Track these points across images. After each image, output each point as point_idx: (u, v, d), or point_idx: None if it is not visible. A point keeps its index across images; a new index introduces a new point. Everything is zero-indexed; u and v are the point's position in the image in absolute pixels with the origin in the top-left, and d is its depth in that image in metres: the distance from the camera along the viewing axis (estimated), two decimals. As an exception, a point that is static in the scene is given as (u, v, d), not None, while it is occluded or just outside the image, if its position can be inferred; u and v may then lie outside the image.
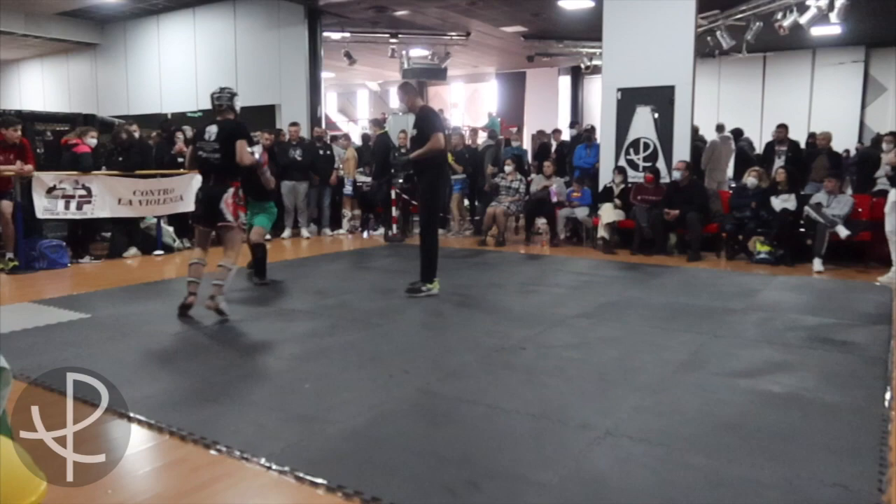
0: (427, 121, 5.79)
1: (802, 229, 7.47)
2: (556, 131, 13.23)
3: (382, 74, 20.65)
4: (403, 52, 15.23)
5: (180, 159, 8.86)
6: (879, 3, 11.08)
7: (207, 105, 15.13)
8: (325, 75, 14.79)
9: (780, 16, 11.05)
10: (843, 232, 7.13)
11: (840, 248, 7.35)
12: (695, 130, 11.35)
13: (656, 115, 8.87)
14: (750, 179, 8.06)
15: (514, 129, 14.83)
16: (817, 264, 7.13)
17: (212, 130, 5.04)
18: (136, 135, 9.04)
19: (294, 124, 10.08)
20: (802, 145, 10.10)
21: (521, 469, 2.64)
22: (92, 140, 7.88)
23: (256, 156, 5.13)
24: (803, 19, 10.55)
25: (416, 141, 5.88)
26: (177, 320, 4.98)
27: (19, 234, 7.10)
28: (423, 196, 5.96)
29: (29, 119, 9.53)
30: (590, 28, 12.08)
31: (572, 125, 13.77)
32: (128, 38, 14.77)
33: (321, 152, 10.08)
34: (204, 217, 5.09)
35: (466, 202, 10.91)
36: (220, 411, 3.24)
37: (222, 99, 5.15)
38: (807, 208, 7.43)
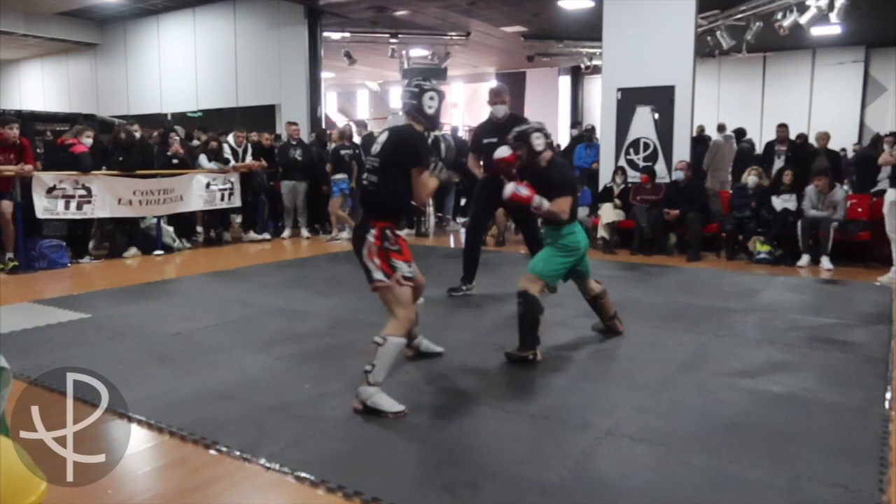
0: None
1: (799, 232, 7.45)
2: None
3: (382, 74, 20.66)
4: (403, 52, 15.24)
5: (175, 161, 8.86)
6: (879, 3, 11.09)
7: (207, 105, 15.18)
8: (325, 75, 14.81)
9: (780, 16, 11.06)
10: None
11: (841, 247, 7.35)
12: (700, 129, 11.36)
13: (656, 115, 8.86)
14: (751, 178, 8.05)
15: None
16: (825, 262, 7.17)
17: (381, 139, 3.48)
18: (137, 135, 9.04)
19: (293, 124, 10.07)
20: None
21: (521, 469, 2.64)
22: (88, 140, 7.88)
23: (519, 191, 3.95)
24: (803, 19, 10.56)
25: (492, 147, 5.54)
26: (177, 320, 4.98)
27: (19, 235, 7.11)
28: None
29: (29, 119, 9.53)
30: (590, 28, 12.09)
31: (574, 125, 13.76)
32: (128, 38, 14.78)
33: (353, 151, 9.72)
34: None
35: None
36: (220, 411, 3.24)
37: (404, 96, 3.56)
38: (805, 211, 7.45)
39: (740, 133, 11.65)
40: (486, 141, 5.73)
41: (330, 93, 23.01)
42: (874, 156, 8.88)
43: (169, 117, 13.92)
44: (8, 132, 7.01)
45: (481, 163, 5.85)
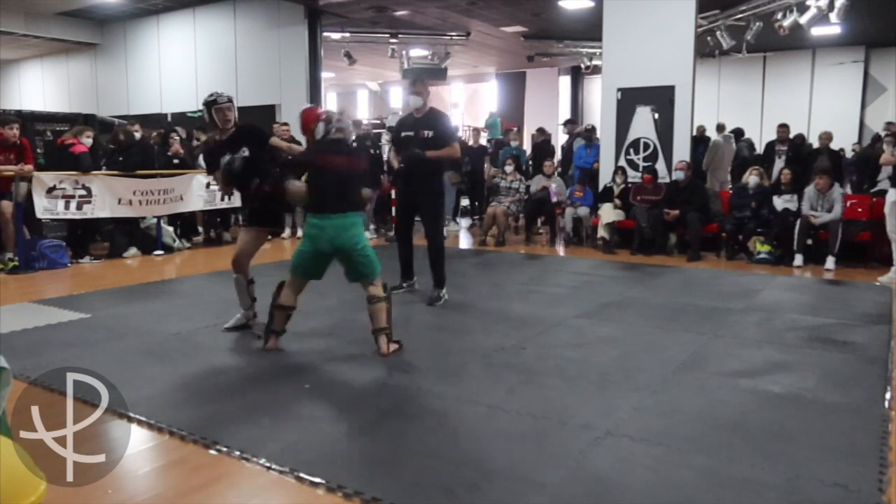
0: (446, 126, 5.68)
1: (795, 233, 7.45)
2: (540, 130, 13.17)
3: (382, 74, 20.65)
4: (403, 52, 15.23)
5: (175, 161, 8.87)
6: (879, 3, 11.08)
7: (207, 105, 14.84)
8: (325, 75, 14.80)
9: (780, 16, 11.06)
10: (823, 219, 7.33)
11: (841, 248, 7.35)
12: (701, 130, 11.35)
13: (656, 115, 8.87)
14: (752, 178, 8.05)
15: (514, 129, 14.82)
16: (830, 262, 7.18)
17: None
18: (138, 135, 9.03)
19: (284, 124, 10.04)
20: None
21: (521, 469, 2.64)
22: (88, 140, 7.88)
23: None
24: (803, 19, 10.56)
25: (429, 142, 5.50)
26: (177, 320, 4.98)
27: (19, 234, 7.10)
28: (430, 200, 5.67)
29: (29, 119, 9.52)
30: (590, 28, 12.08)
31: (567, 123, 13.68)
32: (128, 38, 14.77)
33: (371, 152, 9.56)
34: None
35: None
36: (220, 411, 3.24)
37: None
38: (803, 211, 7.46)
39: (738, 133, 11.65)
40: (403, 134, 5.69)
41: (330, 93, 23.00)
42: (873, 156, 8.88)
43: (169, 118, 13.91)
44: (8, 132, 7.02)
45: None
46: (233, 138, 4.58)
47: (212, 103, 4.70)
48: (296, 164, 4.39)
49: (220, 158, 4.52)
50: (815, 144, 10.09)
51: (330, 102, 23.00)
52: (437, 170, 5.66)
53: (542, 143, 12.24)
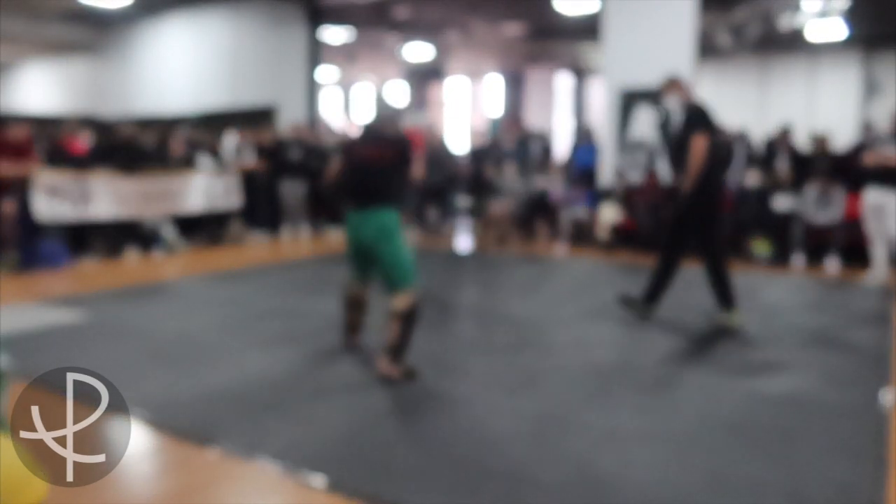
0: (689, 122, 4.86)
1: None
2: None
3: (383, 74, 20.65)
4: (404, 52, 15.25)
5: (175, 161, 8.86)
6: (879, 3, 11.09)
7: (207, 105, 15.18)
8: (325, 75, 14.79)
9: (779, 16, 11.06)
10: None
11: (840, 248, 7.35)
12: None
13: (656, 115, 8.86)
14: (751, 178, 8.05)
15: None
16: (832, 263, 7.19)
17: None
18: (137, 135, 9.02)
19: (298, 125, 10.09)
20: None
21: (521, 469, 2.65)
22: (87, 140, 7.87)
23: None
24: (803, 19, 10.57)
25: (678, 144, 4.96)
26: (177, 320, 4.98)
27: (19, 235, 7.10)
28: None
29: (31, 120, 9.52)
30: (590, 28, 12.08)
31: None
32: (128, 38, 14.77)
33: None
34: None
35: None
36: (220, 411, 3.24)
37: None
38: (804, 213, 7.47)
39: (742, 136, 11.58)
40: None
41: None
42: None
43: (169, 118, 13.91)
44: (9, 133, 7.02)
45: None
46: None
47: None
48: None
49: None
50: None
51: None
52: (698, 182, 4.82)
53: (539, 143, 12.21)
